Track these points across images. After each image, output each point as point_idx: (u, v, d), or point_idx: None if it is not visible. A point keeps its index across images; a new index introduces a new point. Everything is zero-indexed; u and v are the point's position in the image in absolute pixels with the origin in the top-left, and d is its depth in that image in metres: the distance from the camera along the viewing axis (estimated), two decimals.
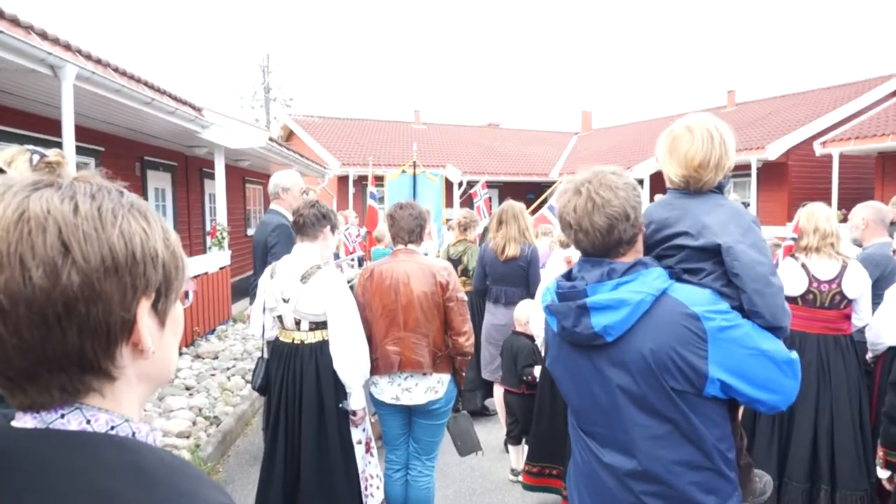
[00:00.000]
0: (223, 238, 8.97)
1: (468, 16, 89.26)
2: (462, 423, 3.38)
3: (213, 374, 6.28)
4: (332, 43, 72.57)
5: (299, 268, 2.97)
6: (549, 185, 21.87)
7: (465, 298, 3.15)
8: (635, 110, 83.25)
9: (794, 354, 1.57)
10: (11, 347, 0.58)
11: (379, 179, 10.37)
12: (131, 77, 6.22)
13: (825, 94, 19.85)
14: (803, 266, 3.39)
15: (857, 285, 3.35)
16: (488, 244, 4.99)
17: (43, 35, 4.84)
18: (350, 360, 2.91)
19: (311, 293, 2.92)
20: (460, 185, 17.31)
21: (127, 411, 0.65)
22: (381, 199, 10.52)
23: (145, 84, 6.51)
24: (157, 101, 6.49)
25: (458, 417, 3.35)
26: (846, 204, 10.65)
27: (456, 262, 5.49)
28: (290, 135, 23.86)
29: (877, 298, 3.40)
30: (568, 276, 1.70)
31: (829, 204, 13.29)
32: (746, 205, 17.09)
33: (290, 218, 3.61)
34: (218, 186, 9.15)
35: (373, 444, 3.23)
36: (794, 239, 3.47)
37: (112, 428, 0.63)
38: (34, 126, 6.63)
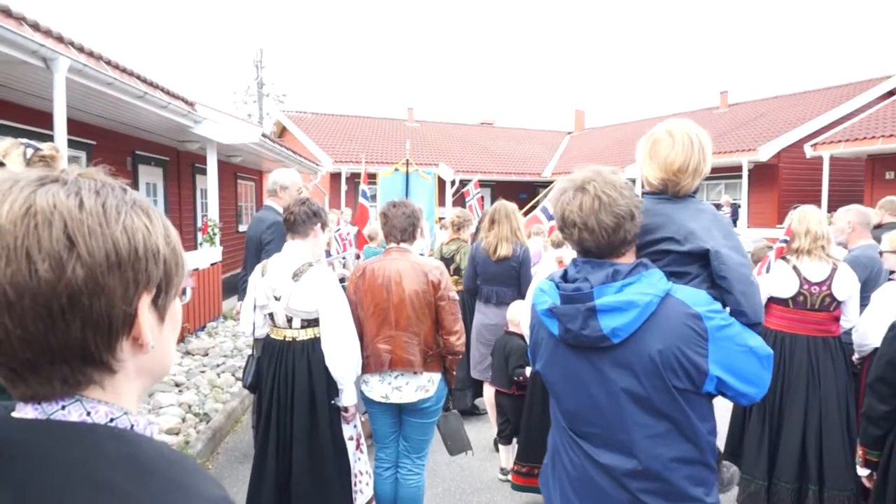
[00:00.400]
0: (214, 234, 8.93)
1: (462, 13, 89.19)
2: (452, 422, 3.38)
3: (202, 371, 6.25)
4: (325, 39, 72.33)
5: (291, 265, 2.97)
6: (541, 184, 21.93)
7: (457, 298, 3.15)
8: (628, 110, 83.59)
9: (770, 350, 1.65)
10: (16, 339, 0.59)
11: (371, 177, 10.35)
12: (124, 70, 6.18)
13: (816, 96, 19.99)
14: (794, 268, 3.42)
15: (847, 287, 3.38)
16: (480, 244, 4.99)
17: (35, 27, 4.79)
18: (342, 356, 2.91)
19: (303, 291, 2.92)
20: (453, 183, 17.30)
21: (126, 404, 0.67)
22: (373, 198, 10.52)
23: (138, 77, 6.46)
24: (149, 95, 6.45)
25: (449, 416, 3.36)
26: (836, 206, 10.74)
27: (449, 260, 5.49)
28: (282, 131, 23.77)
29: (863, 300, 3.44)
30: (564, 277, 1.69)
31: (819, 206, 13.40)
32: (737, 206, 17.20)
33: None
34: (210, 182, 9.10)
35: (362, 440, 3.23)
36: (785, 241, 3.50)
37: (111, 420, 0.64)
38: (25, 118, 6.57)
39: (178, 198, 11.13)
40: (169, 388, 5.61)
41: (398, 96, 75.60)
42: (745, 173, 17.02)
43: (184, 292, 0.79)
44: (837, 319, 3.45)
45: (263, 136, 9.56)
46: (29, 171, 0.63)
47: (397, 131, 24.42)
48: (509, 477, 4.09)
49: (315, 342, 2.96)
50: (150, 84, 6.74)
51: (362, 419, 3.84)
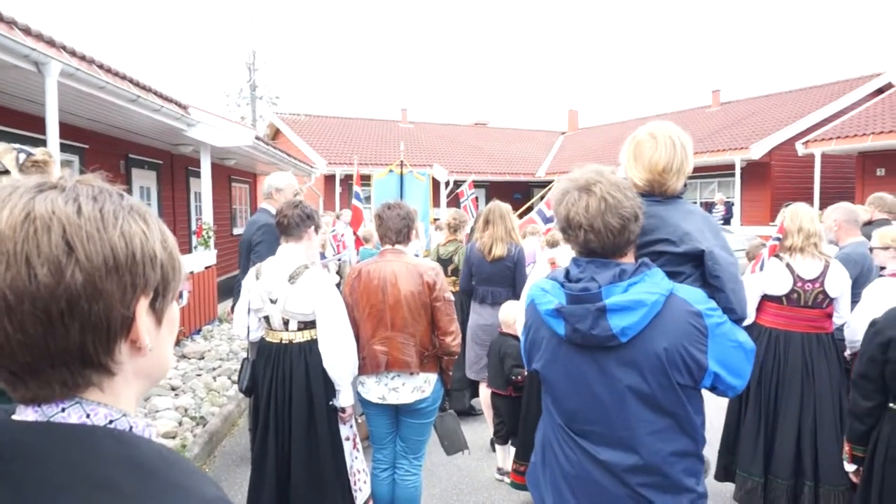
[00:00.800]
0: (209, 237, 8.91)
1: (456, 14, 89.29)
2: (449, 423, 3.39)
3: (199, 375, 6.24)
4: (318, 41, 72.23)
5: (286, 268, 2.97)
6: (535, 184, 21.97)
7: (452, 298, 3.16)
8: (621, 109, 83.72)
9: (753, 344, 1.71)
10: (16, 343, 0.60)
11: (365, 179, 10.35)
12: (116, 74, 6.16)
13: (807, 94, 20.11)
14: (788, 266, 3.44)
15: (839, 284, 3.41)
16: (475, 244, 5.01)
17: (27, 31, 4.78)
18: (339, 358, 2.92)
19: (299, 293, 2.92)
20: (447, 184, 17.32)
21: (124, 406, 0.68)
22: (368, 199, 10.50)
23: (130, 81, 6.45)
24: (142, 98, 6.43)
25: (445, 417, 3.37)
26: (828, 203, 10.82)
27: (447, 261, 5.50)
28: (276, 133, 23.74)
29: (855, 297, 3.46)
30: (567, 277, 1.70)
31: (812, 203, 13.49)
32: (731, 204, 17.29)
33: None
34: (204, 185, 9.09)
35: (358, 440, 3.25)
36: (778, 239, 3.52)
37: (111, 422, 0.65)
38: (17, 123, 6.54)
39: (172, 201, 11.10)
40: (165, 391, 5.59)
41: (392, 97, 75.55)
42: (737, 171, 17.11)
43: (181, 296, 0.81)
44: (830, 316, 3.48)
45: (257, 138, 9.56)
46: (27, 179, 0.65)
47: (391, 132, 24.43)
48: (506, 477, 4.10)
49: (312, 344, 2.96)
50: (143, 87, 6.73)
51: (359, 420, 3.85)
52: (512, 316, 4.20)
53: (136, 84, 6.59)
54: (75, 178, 0.67)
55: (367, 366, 3.02)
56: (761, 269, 3.55)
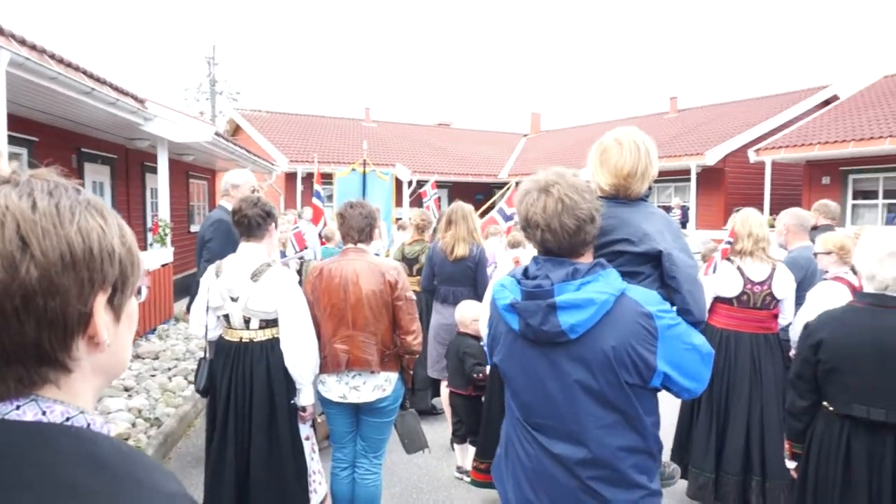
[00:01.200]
0: (165, 234, 8.70)
1: (421, 15, 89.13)
2: (409, 421, 3.40)
3: (153, 375, 6.09)
4: (281, 36, 71.18)
5: (248, 266, 2.94)
6: (497, 185, 22.14)
7: (414, 297, 3.18)
8: (583, 113, 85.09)
9: (711, 349, 1.74)
10: None
11: (327, 177, 10.26)
12: (69, 65, 5.97)
13: (759, 104, 20.83)
14: (739, 269, 3.57)
15: (785, 287, 3.56)
16: (437, 244, 5.04)
17: None
18: (302, 356, 2.90)
19: (262, 291, 2.89)
20: (410, 184, 17.30)
21: (82, 403, 0.67)
22: (329, 198, 10.41)
23: (84, 73, 6.25)
24: (96, 90, 6.24)
25: (406, 415, 3.38)
26: (777, 209, 11.23)
27: (412, 261, 5.51)
28: (236, 129, 23.31)
29: (800, 299, 3.62)
30: (525, 273, 1.75)
31: (762, 208, 13.99)
32: (686, 208, 17.76)
33: None
34: (161, 181, 8.87)
35: (314, 440, 3.24)
36: (729, 243, 3.65)
37: (67, 419, 0.64)
38: None
39: (127, 197, 10.79)
40: (118, 392, 5.44)
41: (355, 96, 75.07)
42: (693, 176, 17.59)
43: (139, 291, 0.79)
44: (776, 317, 3.63)
45: (217, 134, 9.37)
46: None
47: (354, 131, 24.26)
48: (465, 475, 4.13)
49: (274, 343, 2.94)
50: (98, 79, 6.53)
51: (319, 420, 3.83)
52: (468, 315, 4.23)
53: (91, 76, 6.39)
54: (29, 173, 0.65)
55: (328, 364, 3.01)
56: (714, 271, 3.68)
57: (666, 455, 3.14)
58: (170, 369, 6.34)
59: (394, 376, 3.10)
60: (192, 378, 5.97)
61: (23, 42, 5.22)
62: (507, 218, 9.96)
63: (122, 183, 10.63)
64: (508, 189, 10.21)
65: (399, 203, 14.75)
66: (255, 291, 2.90)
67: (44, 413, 0.62)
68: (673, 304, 1.77)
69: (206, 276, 3.09)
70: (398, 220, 10.38)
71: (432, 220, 5.84)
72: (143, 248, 10.03)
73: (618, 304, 1.60)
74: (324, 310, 3.02)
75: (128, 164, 10.78)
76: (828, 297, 3.21)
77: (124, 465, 0.62)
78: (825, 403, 2.39)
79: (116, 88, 6.96)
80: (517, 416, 1.82)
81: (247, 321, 2.95)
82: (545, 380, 1.69)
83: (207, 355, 3.21)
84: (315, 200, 9.82)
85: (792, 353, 3.73)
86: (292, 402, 2.98)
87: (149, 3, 63.97)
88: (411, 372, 3.28)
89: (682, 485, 3.84)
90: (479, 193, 22.59)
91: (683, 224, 16.93)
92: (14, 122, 5.82)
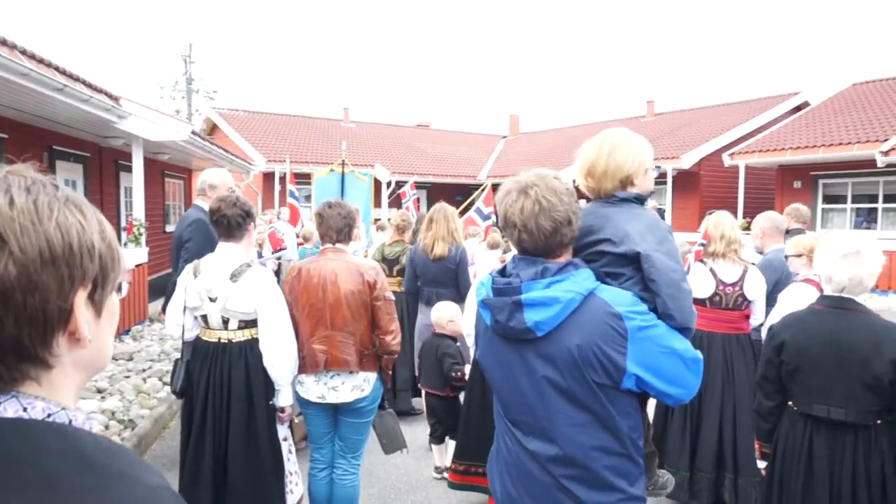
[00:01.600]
0: (140, 234, 8.58)
1: (399, 15, 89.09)
2: (388, 422, 3.41)
3: (127, 377, 6.00)
4: (259, 34, 70.55)
5: (227, 266, 2.92)
6: (476, 187, 22.19)
7: (393, 297, 3.19)
8: (561, 116, 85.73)
9: (699, 354, 1.70)
10: None
11: (305, 177, 10.22)
12: (41, 61, 5.85)
13: (734, 109, 21.20)
14: (711, 270, 3.64)
15: (756, 288, 3.64)
16: (419, 245, 5.06)
17: None
18: (281, 357, 2.89)
19: (241, 291, 2.87)
20: (389, 185, 17.27)
21: (63, 399, 0.66)
22: (308, 198, 10.36)
23: (56, 69, 6.13)
24: (69, 87, 6.13)
25: (384, 416, 3.38)
26: (751, 212, 11.43)
27: (393, 261, 5.51)
28: (213, 128, 23.03)
29: (774, 301, 3.70)
30: (503, 272, 1.77)
31: (736, 212, 14.24)
32: (662, 211, 17.99)
33: None
34: (136, 180, 8.73)
35: (292, 441, 3.23)
36: (702, 245, 3.72)
37: (49, 415, 0.63)
38: None
39: (101, 196, 10.60)
40: (90, 394, 5.35)
41: (334, 96, 74.69)
42: (669, 180, 17.84)
43: (120, 287, 0.78)
44: (748, 318, 3.71)
45: (193, 133, 9.26)
46: None
47: (333, 131, 24.13)
48: (445, 475, 4.15)
49: (253, 343, 2.92)
50: (71, 76, 6.41)
51: (296, 420, 3.81)
52: (444, 317, 4.24)
53: (63, 72, 6.27)
54: (6, 169, 0.65)
55: (307, 365, 3.01)
56: (687, 273, 3.75)
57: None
58: (144, 370, 6.25)
59: (372, 376, 3.10)
60: (167, 379, 5.88)
61: None
62: (485, 217, 10.01)
63: (96, 182, 10.43)
64: (484, 189, 10.26)
65: (378, 204, 14.72)
66: (234, 292, 2.88)
67: (25, 409, 0.62)
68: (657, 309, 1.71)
69: (182, 275, 3.06)
70: (377, 220, 10.36)
71: (412, 220, 5.86)
72: None
73: (585, 303, 1.60)
74: (302, 310, 3.01)
75: (101, 162, 10.59)
76: (797, 299, 3.29)
77: (108, 461, 0.62)
78: (790, 403, 2.45)
79: (90, 85, 6.84)
80: (499, 411, 1.84)
81: (225, 321, 2.93)
82: (518, 376, 1.71)
83: (184, 356, 3.18)
84: (290, 200, 9.76)
85: None
86: (271, 402, 2.97)
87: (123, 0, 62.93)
88: (390, 372, 3.28)
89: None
90: (459, 195, 22.63)
91: None
92: None
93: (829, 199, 15.01)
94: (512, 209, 1.68)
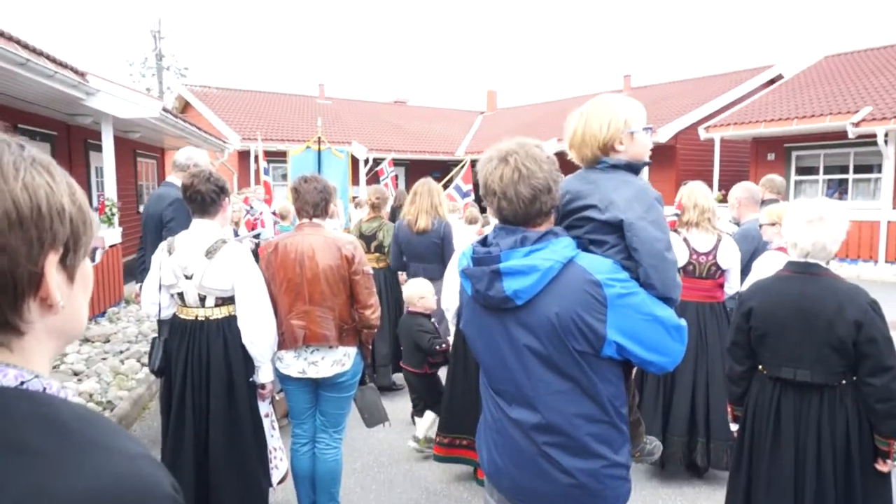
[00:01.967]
0: (112, 214, 8.42)
1: None
2: (369, 396, 3.42)
3: (104, 359, 5.93)
4: (230, 9, 68.81)
5: (202, 243, 2.88)
6: (454, 163, 22.12)
7: (371, 272, 3.18)
8: (538, 91, 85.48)
9: (683, 322, 1.71)
10: None
11: (281, 155, 10.08)
12: (1, 35, 5.65)
13: (709, 82, 21.30)
14: (685, 240, 3.70)
15: (729, 257, 3.70)
16: (402, 220, 5.06)
17: None
18: (260, 333, 2.88)
19: (217, 268, 2.84)
20: (366, 162, 17.13)
21: (36, 367, 0.65)
22: (284, 177, 10.24)
23: (18, 42, 5.93)
24: (32, 62, 5.93)
25: (365, 390, 3.39)
26: (726, 184, 11.58)
27: (370, 237, 5.50)
28: (185, 106, 22.53)
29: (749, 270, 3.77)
30: (484, 242, 1.77)
31: (711, 184, 14.41)
32: None
33: None
34: (106, 159, 8.54)
35: (274, 417, 3.24)
36: (676, 214, 3.77)
37: (22, 383, 0.62)
38: None
39: (70, 176, 10.36)
40: (67, 377, 5.29)
41: (308, 72, 73.36)
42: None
43: (94, 254, 0.75)
44: (722, 286, 3.78)
45: (164, 110, 9.06)
46: None
47: (308, 108, 23.76)
48: (419, 445, 4.19)
49: (231, 320, 2.90)
50: (34, 51, 6.21)
51: (277, 398, 3.82)
52: (415, 294, 4.24)
53: (25, 46, 6.07)
54: None
55: (285, 341, 3.00)
56: None
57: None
58: (122, 352, 6.18)
59: (352, 351, 3.11)
60: (145, 360, 5.83)
61: None
62: (464, 195, 10.00)
63: (64, 161, 10.14)
64: (464, 166, 10.23)
65: (356, 181, 14.60)
66: (209, 268, 2.85)
67: None
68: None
69: (157, 253, 3.02)
70: (355, 198, 10.29)
71: (387, 195, 5.84)
72: None
73: (564, 271, 1.60)
74: (280, 285, 3.00)
75: (70, 141, 10.33)
76: (770, 267, 3.35)
77: (83, 428, 0.60)
78: (760, 367, 2.52)
79: (54, 60, 6.64)
80: (484, 380, 1.86)
81: (202, 299, 2.90)
82: (500, 345, 1.72)
83: (161, 335, 3.15)
84: (265, 178, 9.65)
85: None
86: (251, 379, 2.96)
87: None
88: (370, 347, 3.29)
89: None
90: (436, 171, 22.53)
91: None
92: None
93: (801, 170, 15.23)
94: (492, 176, 1.67)
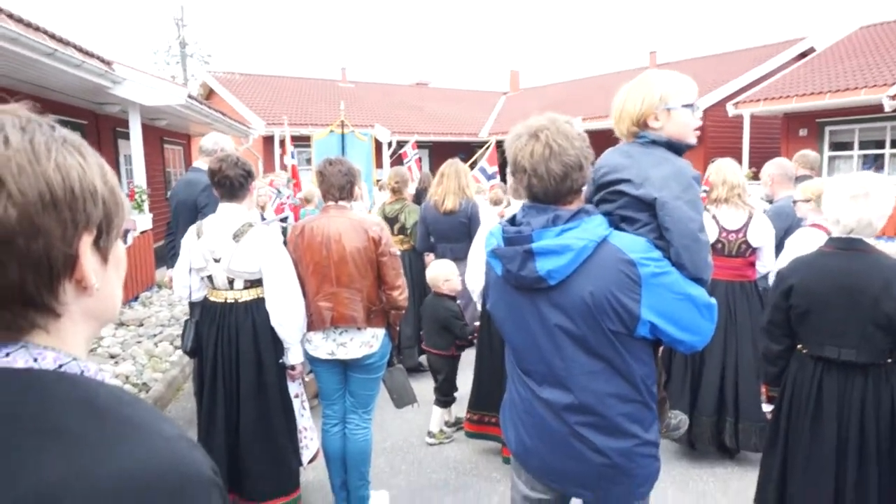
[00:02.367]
0: (142, 201, 8.57)
1: None
2: (397, 377, 3.45)
3: (139, 342, 6.08)
4: None
5: (230, 226, 2.91)
6: (478, 144, 22.00)
7: (398, 253, 3.19)
8: (562, 70, 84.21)
9: (713, 300, 1.68)
10: None
11: (304, 139, 10.13)
12: (29, 25, 5.74)
13: (737, 57, 20.75)
14: (714, 217, 3.62)
15: (761, 235, 3.62)
16: (429, 202, 5.07)
17: None
18: (288, 315, 2.91)
19: (245, 251, 2.88)
20: (390, 145, 17.11)
21: (73, 350, 0.65)
22: (308, 161, 10.29)
23: (45, 33, 6.02)
24: (59, 52, 6.02)
25: (394, 371, 3.42)
26: (757, 162, 11.32)
27: (393, 220, 5.51)
28: (209, 93, 22.71)
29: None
30: (513, 221, 1.74)
31: (741, 161, 14.09)
32: None
33: None
34: (134, 147, 8.67)
35: (305, 397, 3.29)
36: (705, 191, 3.69)
37: (60, 366, 0.62)
38: None
39: None
40: (104, 360, 5.44)
41: (330, 57, 73.33)
42: None
43: (126, 236, 0.75)
44: (753, 265, 3.70)
45: (190, 97, 9.14)
46: None
47: (331, 92, 23.78)
48: (440, 438, 4.19)
49: (259, 302, 2.94)
50: (61, 41, 6.29)
51: (307, 379, 3.87)
52: (440, 276, 4.22)
53: (53, 37, 6.15)
54: None
55: (314, 322, 3.03)
56: None
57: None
58: (155, 335, 6.33)
59: (380, 332, 3.13)
60: (178, 343, 5.96)
61: None
62: (490, 177, 9.94)
63: (94, 149, 10.37)
64: (488, 148, 10.15)
65: (380, 164, 14.61)
66: (237, 252, 2.88)
67: (35, 360, 0.61)
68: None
69: (186, 237, 3.07)
70: (379, 181, 10.30)
71: (407, 178, 5.83)
72: None
73: (599, 250, 1.58)
74: (307, 267, 3.02)
75: (98, 129, 10.50)
76: (804, 244, 3.27)
77: (121, 410, 0.61)
78: (799, 346, 2.47)
79: (81, 50, 6.72)
80: (512, 360, 1.85)
81: (231, 281, 2.94)
82: (531, 325, 1.71)
83: (193, 317, 3.21)
84: (291, 161, 9.71)
85: None
86: (280, 360, 3.00)
87: None
88: (398, 328, 3.31)
89: None
90: (461, 153, 22.43)
91: None
92: None
93: (835, 146, 14.80)
94: (522, 153, 1.64)
